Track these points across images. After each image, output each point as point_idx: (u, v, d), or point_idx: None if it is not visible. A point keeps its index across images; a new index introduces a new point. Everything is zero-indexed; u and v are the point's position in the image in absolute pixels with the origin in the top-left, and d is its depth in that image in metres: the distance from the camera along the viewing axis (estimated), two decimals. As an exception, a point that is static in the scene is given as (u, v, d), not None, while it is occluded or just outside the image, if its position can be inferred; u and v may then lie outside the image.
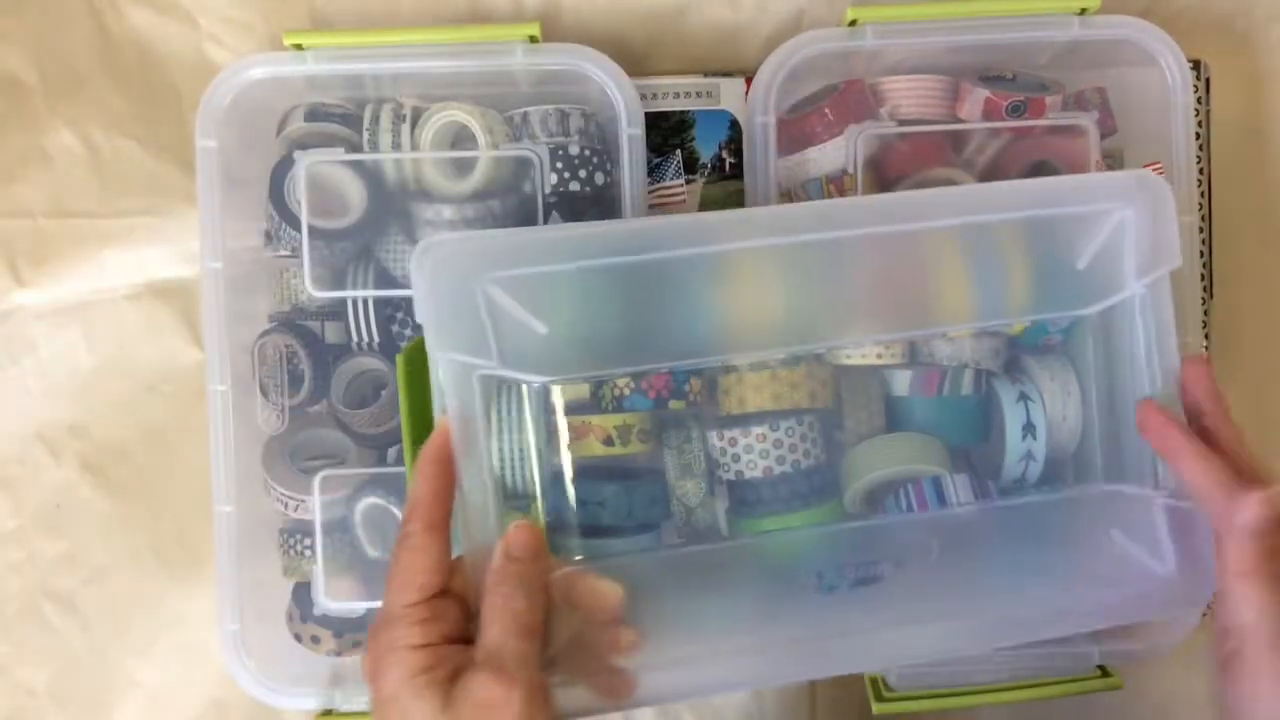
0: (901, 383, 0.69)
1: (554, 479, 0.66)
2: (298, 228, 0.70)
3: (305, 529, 0.72)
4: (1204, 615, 0.72)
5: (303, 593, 0.73)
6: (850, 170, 0.71)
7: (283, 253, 0.73)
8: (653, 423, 0.69)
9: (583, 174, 0.71)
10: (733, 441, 0.67)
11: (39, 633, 0.78)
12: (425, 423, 0.56)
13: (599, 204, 0.73)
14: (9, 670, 0.78)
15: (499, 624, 0.51)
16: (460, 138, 0.73)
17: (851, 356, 0.68)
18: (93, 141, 0.77)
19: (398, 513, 0.71)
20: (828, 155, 0.72)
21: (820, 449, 0.67)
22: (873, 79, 0.74)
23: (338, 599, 0.71)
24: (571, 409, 0.67)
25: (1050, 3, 0.70)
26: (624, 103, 0.69)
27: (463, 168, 0.72)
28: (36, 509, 0.78)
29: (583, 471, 0.67)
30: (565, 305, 0.58)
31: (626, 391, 0.67)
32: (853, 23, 0.70)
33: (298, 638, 0.74)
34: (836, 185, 0.72)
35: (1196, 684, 0.78)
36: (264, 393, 0.72)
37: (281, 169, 0.71)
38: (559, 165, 0.71)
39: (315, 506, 0.70)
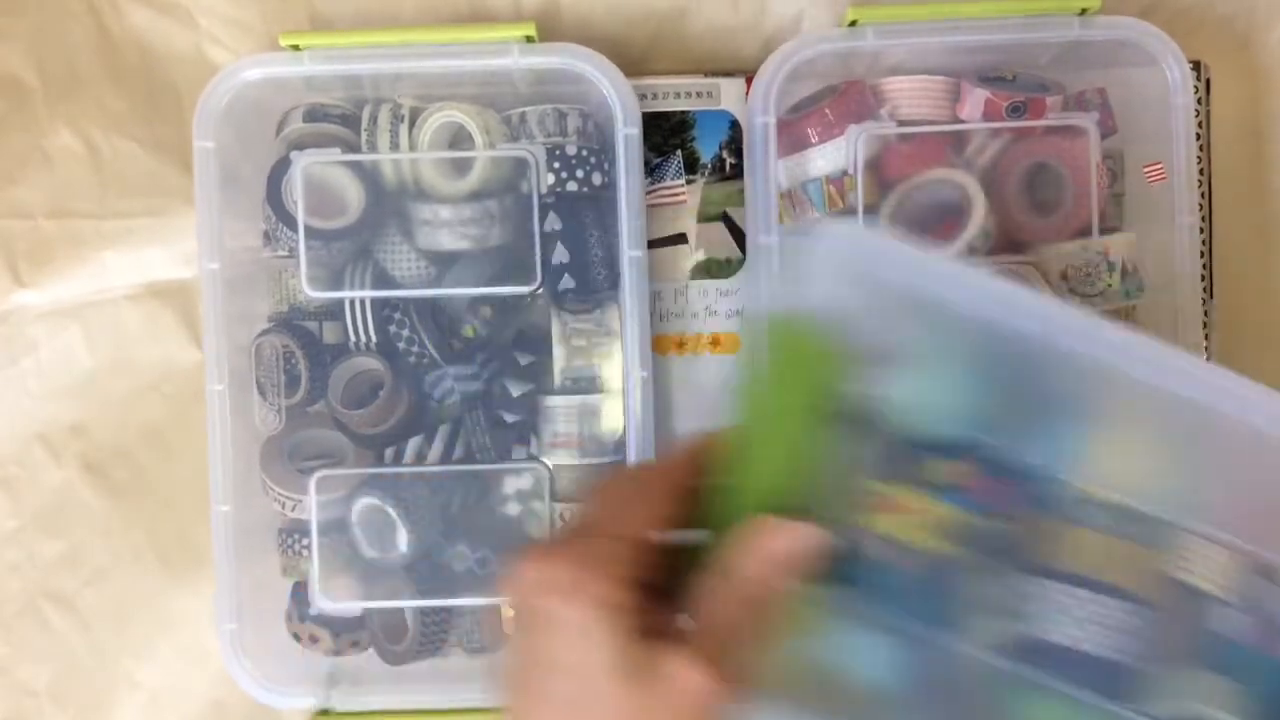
0: (1230, 621, 0.56)
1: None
2: (295, 228, 0.70)
3: (304, 529, 0.72)
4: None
5: (302, 592, 0.73)
6: (850, 171, 0.71)
7: (281, 253, 0.73)
8: (962, 527, 0.56)
9: (580, 174, 0.71)
10: (1049, 590, 0.55)
11: (39, 633, 0.78)
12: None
13: (597, 204, 0.73)
14: (9, 670, 0.78)
15: (742, 625, 0.44)
16: (459, 138, 0.73)
17: (1190, 574, 0.56)
18: (93, 142, 0.77)
19: (394, 514, 0.71)
20: (828, 156, 0.72)
21: (1137, 643, 0.55)
22: (873, 80, 0.74)
23: (335, 599, 0.71)
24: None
25: (1050, 3, 0.70)
26: (620, 102, 0.69)
27: (460, 167, 0.72)
28: (36, 509, 0.78)
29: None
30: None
31: (951, 480, 0.55)
32: (853, 23, 0.70)
33: (296, 637, 0.74)
34: (837, 186, 0.72)
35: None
36: (261, 393, 0.73)
37: (279, 170, 0.71)
38: (556, 165, 0.71)
39: (311, 507, 0.70)
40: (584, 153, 0.71)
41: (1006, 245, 0.72)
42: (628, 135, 0.69)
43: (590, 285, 0.73)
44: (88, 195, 0.77)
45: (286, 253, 0.72)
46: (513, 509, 0.73)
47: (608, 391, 0.73)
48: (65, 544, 0.78)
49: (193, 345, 0.78)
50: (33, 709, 0.78)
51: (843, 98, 0.72)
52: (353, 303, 0.72)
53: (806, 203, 0.73)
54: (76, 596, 0.78)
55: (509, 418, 0.73)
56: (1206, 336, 0.77)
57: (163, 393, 0.78)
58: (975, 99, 0.72)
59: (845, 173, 0.72)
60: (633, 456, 0.70)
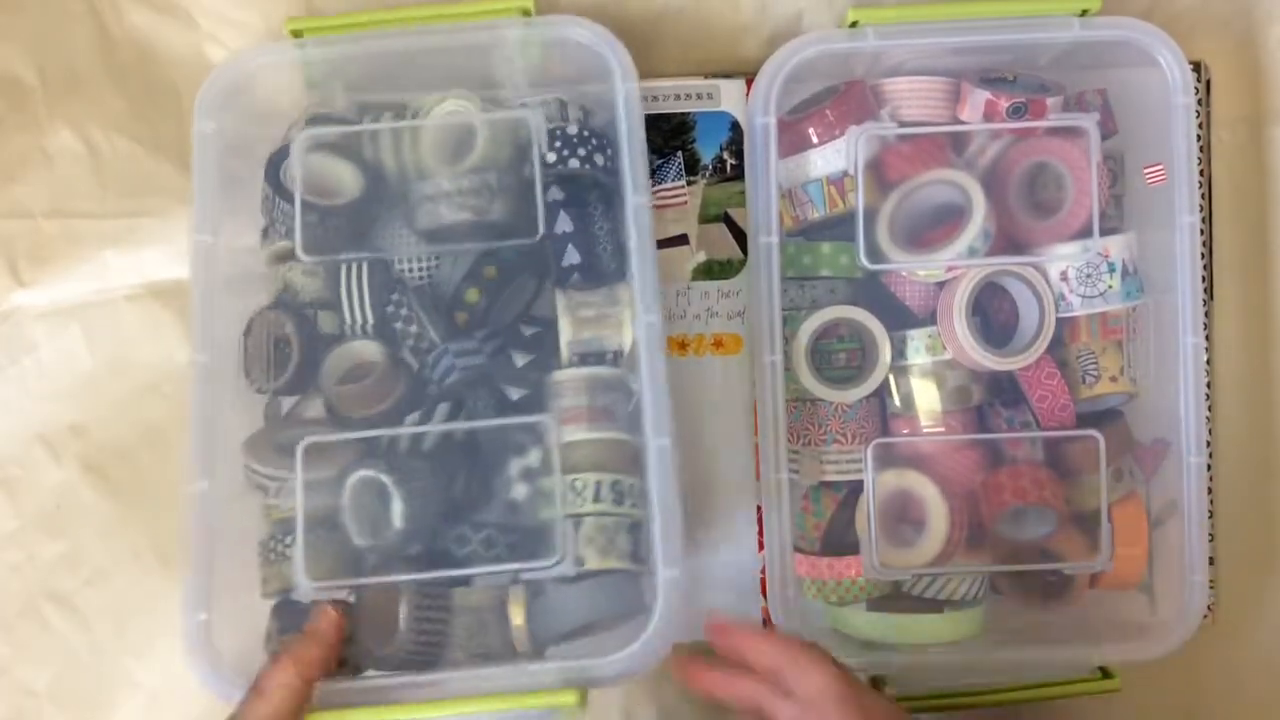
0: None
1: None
2: (292, 201, 0.68)
3: (288, 527, 0.68)
4: (1204, 618, 0.72)
5: (284, 608, 0.69)
6: (851, 172, 0.71)
7: (278, 238, 0.71)
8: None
9: (582, 152, 0.70)
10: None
11: (39, 633, 0.78)
12: None
13: (598, 186, 0.71)
14: (9, 670, 0.78)
15: None
16: (462, 138, 0.72)
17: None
18: (93, 141, 0.77)
19: (388, 483, 0.66)
20: (828, 157, 0.72)
21: None
22: (873, 80, 0.74)
23: (320, 579, 0.66)
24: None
25: (1051, 4, 0.70)
26: (619, 63, 0.68)
27: (460, 151, 0.70)
28: (36, 509, 0.78)
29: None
30: None
31: None
32: (853, 24, 0.70)
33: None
34: (837, 187, 0.72)
35: (1195, 686, 0.78)
36: (249, 375, 0.70)
37: (278, 156, 0.71)
38: (558, 144, 0.70)
39: (298, 479, 0.66)
40: (585, 133, 0.70)
41: (1007, 246, 0.72)
42: (628, 90, 0.68)
43: (597, 270, 0.71)
44: (88, 195, 0.77)
45: (284, 232, 0.70)
46: (520, 491, 0.68)
47: (618, 361, 0.70)
48: (65, 544, 0.78)
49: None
50: (33, 709, 0.78)
51: (843, 98, 0.72)
52: (349, 285, 0.70)
53: (807, 203, 0.73)
54: (76, 596, 0.78)
55: (514, 394, 0.71)
56: (1206, 336, 0.77)
57: (163, 393, 0.78)
58: (976, 100, 0.72)
59: (846, 173, 0.72)
60: (648, 398, 0.66)
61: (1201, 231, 0.75)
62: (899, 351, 0.73)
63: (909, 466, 0.73)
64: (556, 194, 0.70)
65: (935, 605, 0.73)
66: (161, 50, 0.77)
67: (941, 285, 0.73)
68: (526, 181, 0.70)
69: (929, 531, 0.71)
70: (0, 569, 0.78)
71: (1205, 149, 0.77)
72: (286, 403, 0.74)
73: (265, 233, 0.73)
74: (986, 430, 0.74)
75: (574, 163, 0.70)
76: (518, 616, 0.67)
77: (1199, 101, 0.76)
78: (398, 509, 0.66)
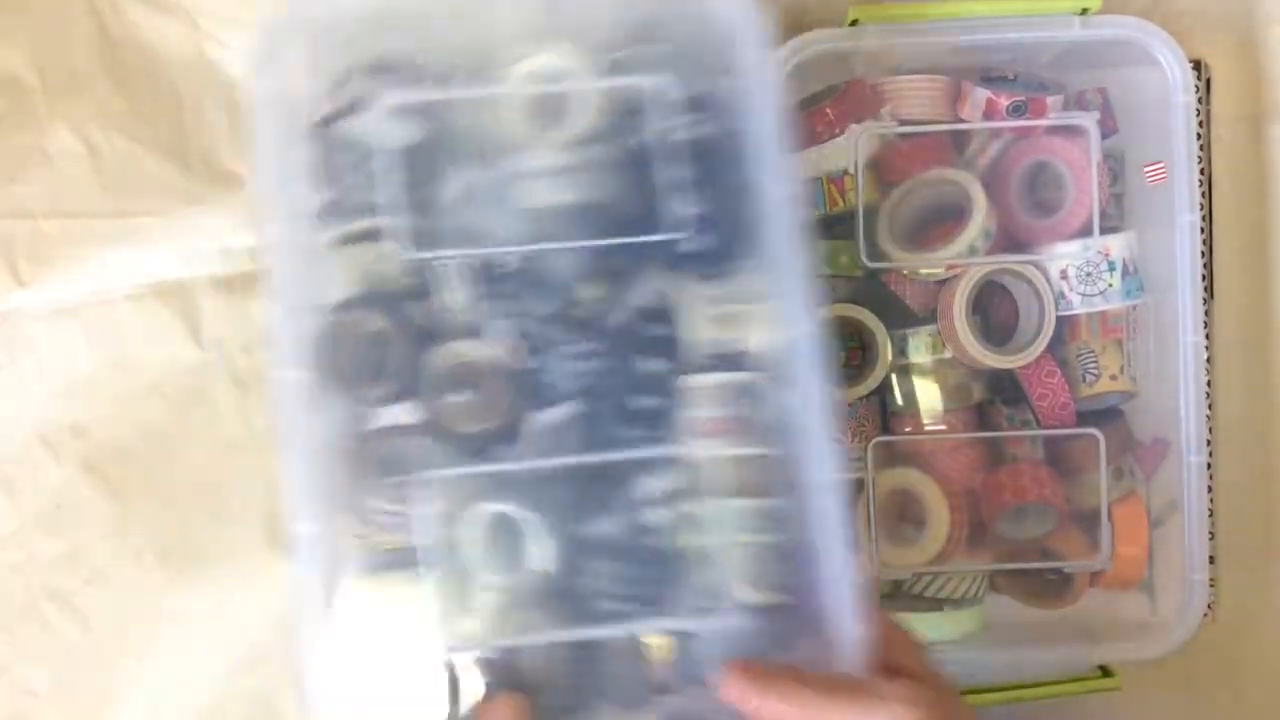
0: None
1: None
2: (363, 169, 0.58)
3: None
4: (1204, 617, 0.72)
5: None
6: (851, 170, 0.71)
7: (351, 223, 0.60)
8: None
9: (697, 120, 0.59)
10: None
11: (39, 633, 0.77)
12: None
13: (718, 156, 0.60)
14: (9, 670, 0.78)
15: None
16: (553, 103, 0.61)
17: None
18: (93, 141, 0.77)
19: (520, 518, 0.58)
20: (829, 155, 0.72)
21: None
22: (874, 79, 0.74)
23: (459, 636, 0.57)
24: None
25: (1051, 3, 0.70)
26: (748, 23, 0.57)
27: (553, 117, 0.60)
28: (36, 509, 0.78)
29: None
30: None
31: None
32: (854, 22, 0.70)
33: None
34: (837, 185, 0.72)
35: (1195, 685, 0.78)
36: (343, 382, 0.60)
37: (334, 117, 0.60)
38: (668, 111, 0.59)
39: (418, 518, 0.57)
40: (697, 98, 0.59)
41: (1007, 245, 0.73)
42: (758, 53, 0.57)
43: (724, 259, 0.60)
44: (88, 195, 0.77)
45: (356, 209, 0.60)
46: (656, 516, 0.59)
47: (757, 362, 0.60)
48: (65, 544, 0.78)
49: (193, 345, 0.78)
50: (33, 709, 0.78)
51: (844, 97, 0.72)
52: (446, 278, 0.60)
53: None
54: (76, 596, 0.78)
55: (641, 403, 0.60)
56: (1207, 336, 0.77)
57: (163, 393, 0.78)
58: (976, 98, 0.72)
59: (846, 172, 0.72)
60: (808, 425, 0.56)
61: (1201, 230, 0.75)
62: (899, 350, 0.73)
63: (909, 465, 0.73)
64: (674, 171, 0.59)
65: (935, 604, 0.73)
66: (161, 50, 0.77)
67: (942, 284, 0.73)
68: (635, 155, 0.59)
69: (929, 530, 0.72)
70: (0, 569, 0.78)
71: (1205, 148, 0.77)
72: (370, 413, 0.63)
73: (331, 208, 0.61)
74: (987, 429, 0.74)
75: (685, 133, 0.59)
76: (664, 659, 0.59)
77: (1199, 100, 0.76)
78: (531, 545, 0.58)
